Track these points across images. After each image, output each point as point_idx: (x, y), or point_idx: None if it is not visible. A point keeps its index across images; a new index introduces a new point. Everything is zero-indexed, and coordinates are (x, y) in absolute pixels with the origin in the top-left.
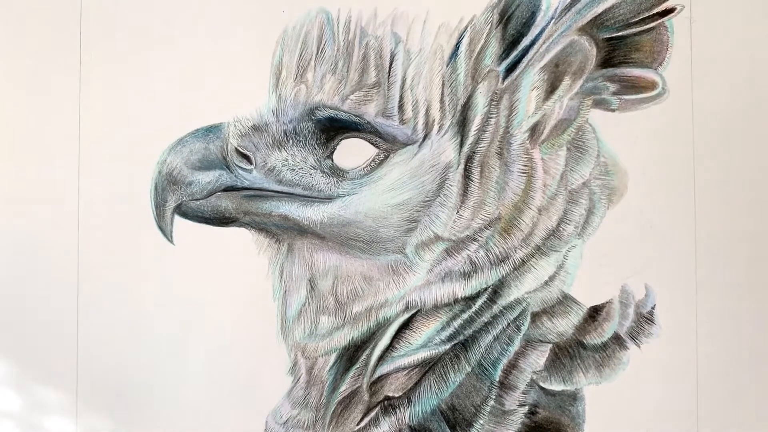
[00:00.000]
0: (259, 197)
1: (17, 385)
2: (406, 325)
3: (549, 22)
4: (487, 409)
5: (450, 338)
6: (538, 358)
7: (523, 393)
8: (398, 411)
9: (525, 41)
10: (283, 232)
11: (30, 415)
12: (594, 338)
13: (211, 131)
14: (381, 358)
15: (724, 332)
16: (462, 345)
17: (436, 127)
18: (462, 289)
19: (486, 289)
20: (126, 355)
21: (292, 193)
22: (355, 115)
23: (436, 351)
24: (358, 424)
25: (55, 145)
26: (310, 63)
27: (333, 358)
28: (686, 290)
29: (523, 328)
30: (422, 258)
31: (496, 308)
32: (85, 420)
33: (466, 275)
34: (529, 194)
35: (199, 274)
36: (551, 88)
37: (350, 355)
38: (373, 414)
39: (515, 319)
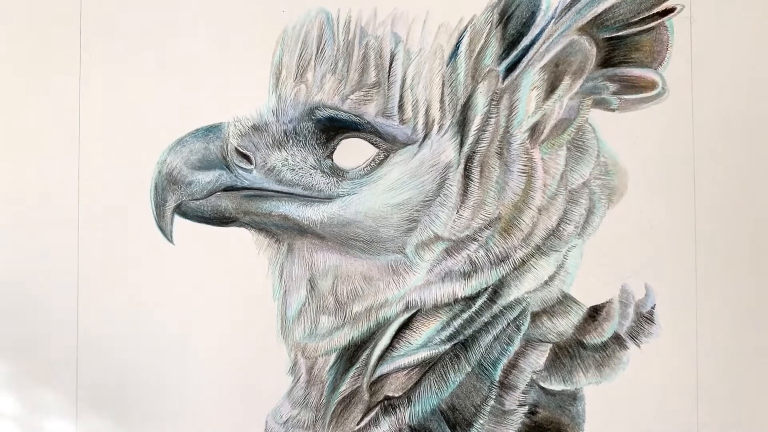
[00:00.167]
0: (259, 197)
1: (17, 386)
2: (406, 325)
3: (549, 22)
4: (487, 408)
5: (450, 338)
6: (538, 357)
7: (523, 393)
8: (398, 411)
9: (525, 41)
10: (283, 232)
11: (30, 415)
12: (594, 338)
13: (211, 131)
14: (381, 358)
15: (724, 332)
16: (462, 345)
17: (436, 127)
18: (462, 288)
19: (486, 288)
20: (126, 355)
21: (292, 193)
22: (355, 115)
23: (436, 351)
24: (358, 424)
25: (55, 145)
26: (310, 63)
27: (333, 357)
28: (686, 290)
29: (523, 328)
30: (422, 258)
31: (496, 308)
32: (85, 420)
33: (466, 275)
34: (529, 194)
35: (199, 274)
36: (551, 88)
37: (350, 355)
38: (373, 414)
39: (515, 318)
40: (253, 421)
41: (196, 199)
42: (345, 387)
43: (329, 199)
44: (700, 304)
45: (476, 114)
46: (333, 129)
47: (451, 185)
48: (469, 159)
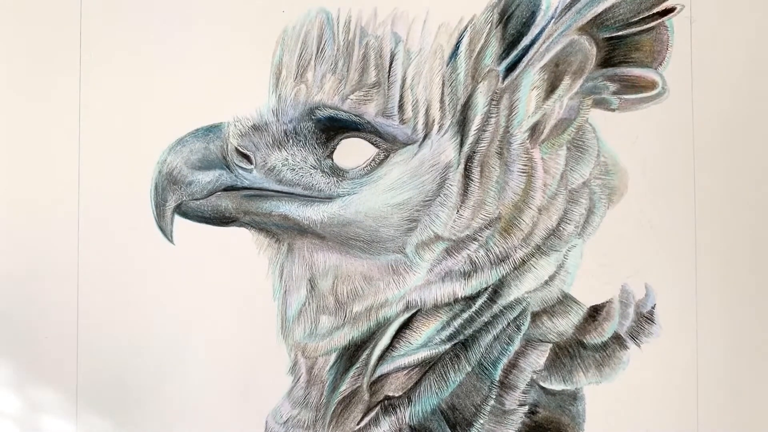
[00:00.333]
0: (259, 197)
1: (17, 385)
2: (406, 325)
3: (549, 22)
4: (488, 408)
5: (450, 338)
6: (539, 357)
7: (524, 392)
8: (398, 411)
9: (525, 41)
10: (283, 231)
11: (30, 415)
12: (594, 338)
13: (211, 131)
14: (381, 358)
15: (724, 332)
16: (462, 344)
17: (436, 127)
18: (462, 288)
19: (486, 288)
20: (126, 355)
21: (292, 193)
22: (355, 115)
23: (436, 351)
24: (358, 424)
25: (55, 145)
26: (310, 63)
27: (333, 357)
28: (686, 290)
29: (524, 328)
30: (422, 258)
31: (496, 308)
32: (85, 420)
33: (466, 275)
34: (529, 194)
35: (199, 274)
36: (551, 88)
37: (350, 354)
38: (373, 414)
39: (515, 318)
40: (253, 421)
41: (196, 199)
42: (345, 387)
43: (329, 199)
44: (700, 304)
45: (476, 114)
46: (333, 129)
47: (451, 185)
48: (469, 159)
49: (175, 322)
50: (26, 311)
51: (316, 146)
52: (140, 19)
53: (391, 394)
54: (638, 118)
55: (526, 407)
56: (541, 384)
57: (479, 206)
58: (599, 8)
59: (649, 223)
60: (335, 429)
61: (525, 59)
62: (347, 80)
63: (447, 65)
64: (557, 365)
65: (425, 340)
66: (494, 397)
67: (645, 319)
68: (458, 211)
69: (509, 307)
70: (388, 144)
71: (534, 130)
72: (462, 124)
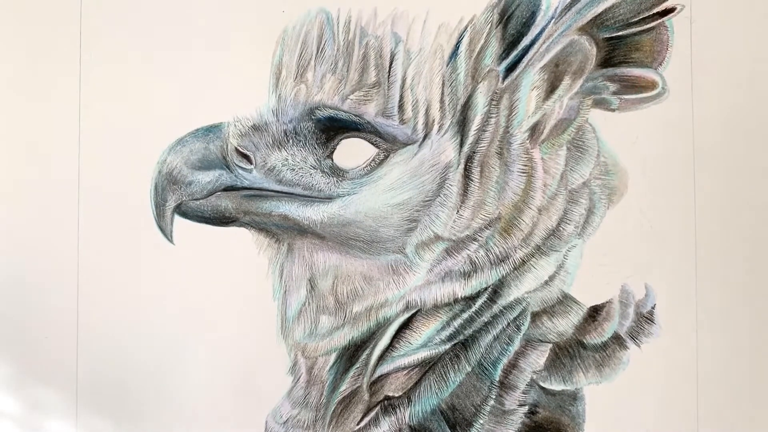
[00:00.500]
0: (259, 197)
1: (17, 386)
2: (406, 325)
3: (549, 22)
4: (487, 408)
5: (450, 338)
6: (538, 357)
7: (523, 393)
8: (398, 411)
9: (525, 41)
10: (283, 231)
11: (30, 415)
12: (594, 338)
13: (211, 131)
14: (381, 358)
15: (724, 332)
16: (462, 345)
17: (436, 127)
18: (462, 288)
19: (486, 288)
20: (126, 355)
21: (292, 193)
22: (355, 115)
23: (436, 351)
24: (358, 424)
25: (55, 144)
26: (310, 63)
27: (333, 357)
28: (686, 290)
29: (523, 328)
30: (422, 258)
31: (496, 308)
32: (85, 420)
33: (466, 275)
34: (529, 194)
35: (199, 274)
36: (551, 88)
37: (350, 354)
38: (373, 414)
39: (515, 318)
40: (253, 421)
41: (196, 199)
42: (345, 387)
43: (329, 199)
44: (700, 304)
45: (476, 114)
46: (333, 129)
47: (451, 185)
48: (469, 159)
49: (175, 322)
50: (26, 311)
51: (316, 146)
52: (140, 20)
53: (391, 394)
54: (638, 118)
55: (526, 407)
56: (541, 384)
57: (479, 206)
58: (599, 8)
59: (649, 223)
60: (335, 429)
61: (525, 59)
62: (347, 80)
63: (447, 65)
64: (557, 365)
65: (425, 340)
66: (494, 397)
67: (645, 319)
68: (458, 211)
69: (509, 307)
70: (388, 144)
71: (534, 130)
72: (462, 124)
